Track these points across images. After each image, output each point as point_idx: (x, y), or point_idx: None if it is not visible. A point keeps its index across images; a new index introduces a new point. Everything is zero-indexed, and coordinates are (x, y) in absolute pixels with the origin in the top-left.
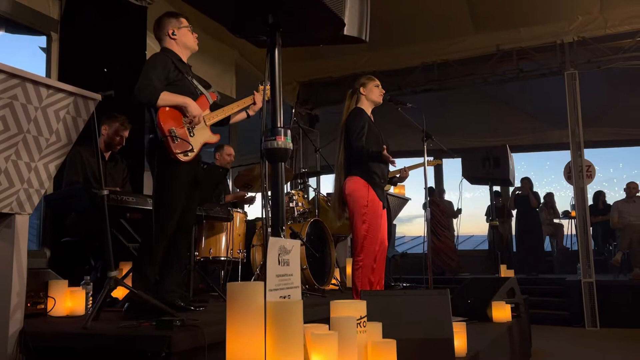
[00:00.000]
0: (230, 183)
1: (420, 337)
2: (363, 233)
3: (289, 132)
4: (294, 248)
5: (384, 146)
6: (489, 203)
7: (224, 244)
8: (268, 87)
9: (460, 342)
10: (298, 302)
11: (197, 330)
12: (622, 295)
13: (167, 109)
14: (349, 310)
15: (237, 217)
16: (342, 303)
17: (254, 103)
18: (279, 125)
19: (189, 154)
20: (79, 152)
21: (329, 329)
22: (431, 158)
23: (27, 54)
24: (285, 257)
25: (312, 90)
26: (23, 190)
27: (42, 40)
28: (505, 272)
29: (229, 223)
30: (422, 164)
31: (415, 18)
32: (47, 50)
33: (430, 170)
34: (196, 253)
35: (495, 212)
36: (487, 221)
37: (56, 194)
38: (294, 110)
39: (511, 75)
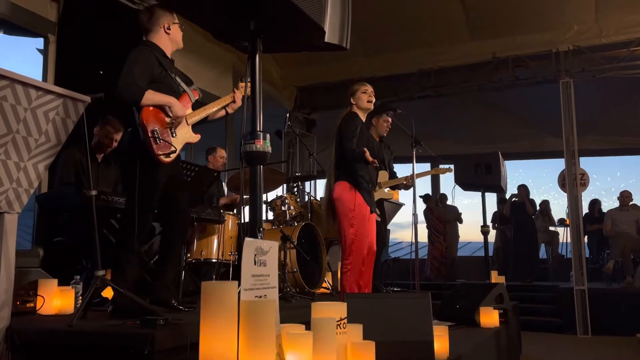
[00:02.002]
0: (224, 186)
1: (401, 340)
2: (351, 236)
3: (267, 135)
4: (272, 249)
5: (365, 149)
6: (492, 210)
7: (215, 246)
8: (249, 83)
9: (441, 345)
10: (271, 302)
11: (180, 329)
12: (614, 303)
13: (151, 108)
14: (330, 311)
15: (229, 219)
16: (323, 304)
17: (234, 101)
18: (258, 129)
19: (171, 155)
20: (72, 153)
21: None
22: (446, 166)
23: (24, 55)
24: (262, 257)
25: (309, 95)
26: (12, 189)
27: (39, 42)
28: (496, 278)
29: (220, 225)
30: (429, 172)
31: (412, 25)
32: (44, 52)
33: (427, 177)
34: (188, 255)
35: (499, 218)
36: (492, 228)
37: (48, 194)
38: (288, 115)
39: (507, 82)
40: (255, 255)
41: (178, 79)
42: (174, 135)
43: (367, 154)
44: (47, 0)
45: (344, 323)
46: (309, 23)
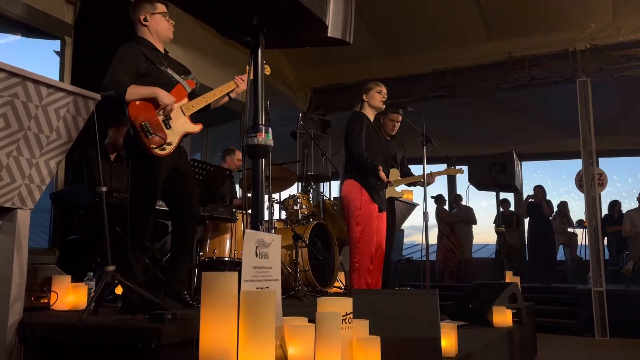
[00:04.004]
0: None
1: (407, 336)
2: (357, 235)
3: (270, 129)
4: (274, 242)
5: (379, 167)
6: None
7: (228, 245)
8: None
9: (449, 343)
10: (270, 292)
11: (187, 323)
12: (633, 305)
13: (138, 102)
14: (335, 306)
15: (242, 218)
16: (328, 299)
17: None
18: (260, 123)
19: (166, 147)
20: (85, 152)
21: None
22: (459, 167)
23: (42, 57)
24: (264, 250)
25: (324, 96)
26: (24, 185)
27: (56, 44)
28: (511, 278)
29: (233, 224)
30: (442, 172)
31: (427, 25)
32: (60, 54)
33: (443, 176)
34: (201, 253)
35: (502, 219)
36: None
37: (61, 192)
38: (300, 115)
39: (523, 82)
40: (256, 247)
41: (170, 71)
42: (168, 127)
43: (381, 171)
44: (64, 3)
45: (350, 318)
46: (311, 17)
